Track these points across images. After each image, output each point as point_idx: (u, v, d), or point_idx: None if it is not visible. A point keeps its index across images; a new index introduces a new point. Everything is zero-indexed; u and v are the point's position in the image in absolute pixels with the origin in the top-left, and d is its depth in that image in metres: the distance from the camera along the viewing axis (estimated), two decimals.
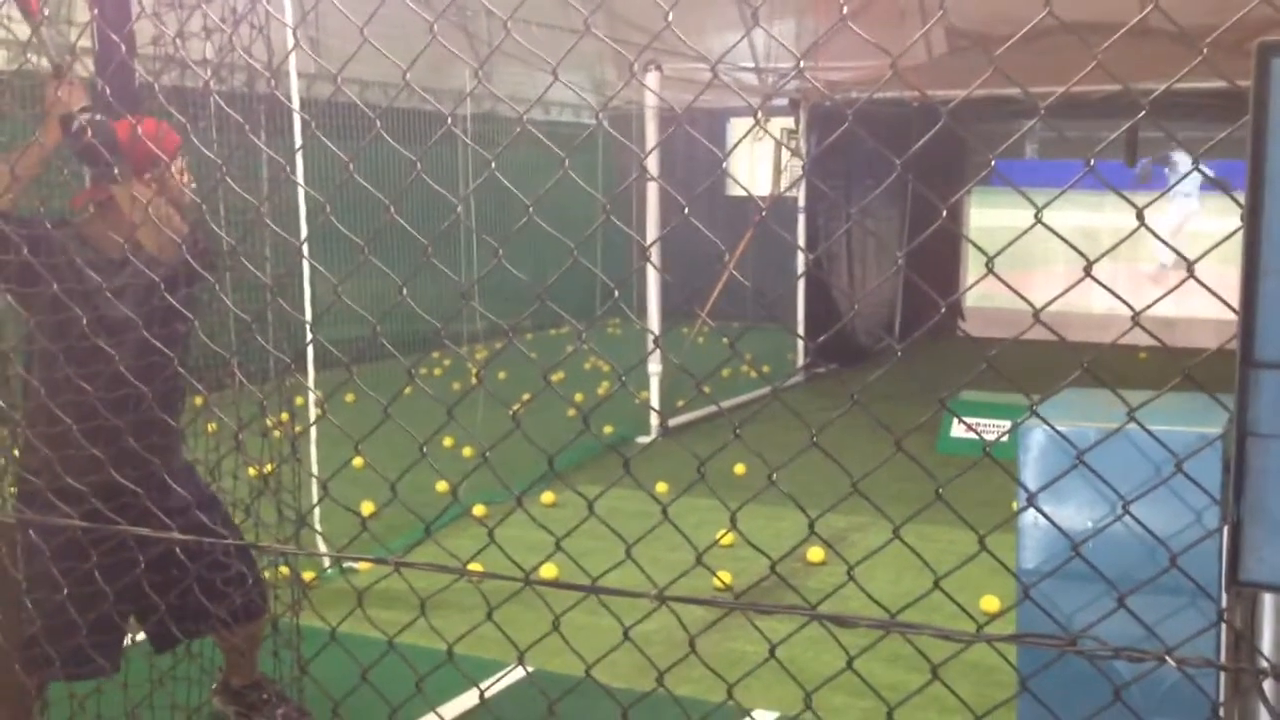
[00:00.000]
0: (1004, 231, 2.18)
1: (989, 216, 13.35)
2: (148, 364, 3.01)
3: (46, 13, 3.24)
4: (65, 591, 2.79)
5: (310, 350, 5.42)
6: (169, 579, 3.09)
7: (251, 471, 3.48)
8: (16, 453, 3.25)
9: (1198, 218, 16.05)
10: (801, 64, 2.25)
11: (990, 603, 4.97)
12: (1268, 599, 1.91)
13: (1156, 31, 1.90)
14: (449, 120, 2.13)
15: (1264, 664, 1.86)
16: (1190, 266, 1.57)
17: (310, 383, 5.29)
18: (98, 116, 3.10)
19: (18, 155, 3.07)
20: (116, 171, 3.16)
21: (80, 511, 2.67)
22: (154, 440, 3.08)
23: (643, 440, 8.35)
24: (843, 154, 11.04)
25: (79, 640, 3.03)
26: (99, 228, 3.33)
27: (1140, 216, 1.59)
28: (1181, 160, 13.54)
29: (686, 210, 1.90)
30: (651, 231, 8.52)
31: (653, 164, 8.69)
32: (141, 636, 3.65)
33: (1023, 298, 1.73)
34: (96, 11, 3.22)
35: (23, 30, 3.00)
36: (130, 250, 3.17)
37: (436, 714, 2.58)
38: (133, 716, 3.19)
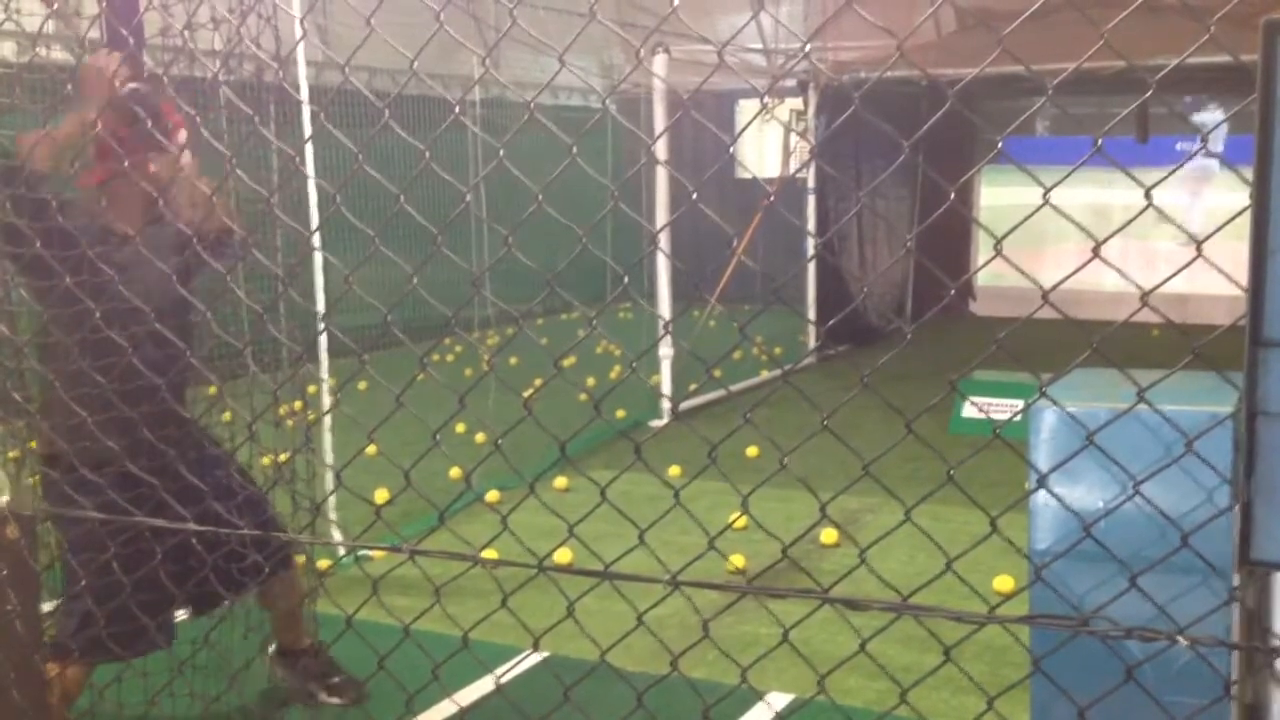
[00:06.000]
0: (1015, 209, 2.17)
1: (1000, 195, 13.28)
2: (165, 353, 3.03)
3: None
4: (109, 575, 2.87)
5: (323, 339, 5.44)
6: (196, 557, 3.12)
7: (265, 461, 3.50)
8: (33, 445, 3.27)
9: (1215, 188, 15.95)
10: (809, 46, 2.25)
11: (1004, 583, 4.97)
12: (1279, 578, 1.91)
13: (1165, 6, 1.90)
14: (456, 110, 2.13)
15: (1276, 643, 1.86)
16: (1199, 246, 1.57)
17: (323, 371, 5.31)
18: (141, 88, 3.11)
19: (64, 124, 3.08)
20: (164, 141, 3.15)
21: (99, 501, 2.70)
22: (170, 430, 3.10)
23: (655, 424, 8.36)
24: (853, 134, 11.00)
25: (128, 620, 3.12)
26: (111, 203, 3.31)
27: (1149, 196, 1.58)
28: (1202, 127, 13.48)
29: (695, 196, 1.90)
30: (661, 216, 8.51)
31: (661, 148, 8.67)
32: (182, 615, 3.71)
33: (1031, 279, 1.73)
34: (105, 4, 3.22)
35: (32, 23, 3.01)
36: (152, 219, 3.22)
37: (452, 700, 2.60)
38: (152, 704, 3.22)
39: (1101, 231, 1.69)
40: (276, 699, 4.07)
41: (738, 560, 5.19)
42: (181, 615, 3.71)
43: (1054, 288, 1.68)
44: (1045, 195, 1.65)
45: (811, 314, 10.64)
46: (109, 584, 2.97)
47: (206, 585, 3.20)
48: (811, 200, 10.73)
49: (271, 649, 4.06)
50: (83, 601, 3.16)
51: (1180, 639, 1.62)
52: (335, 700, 4.01)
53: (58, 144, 3.08)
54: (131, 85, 3.11)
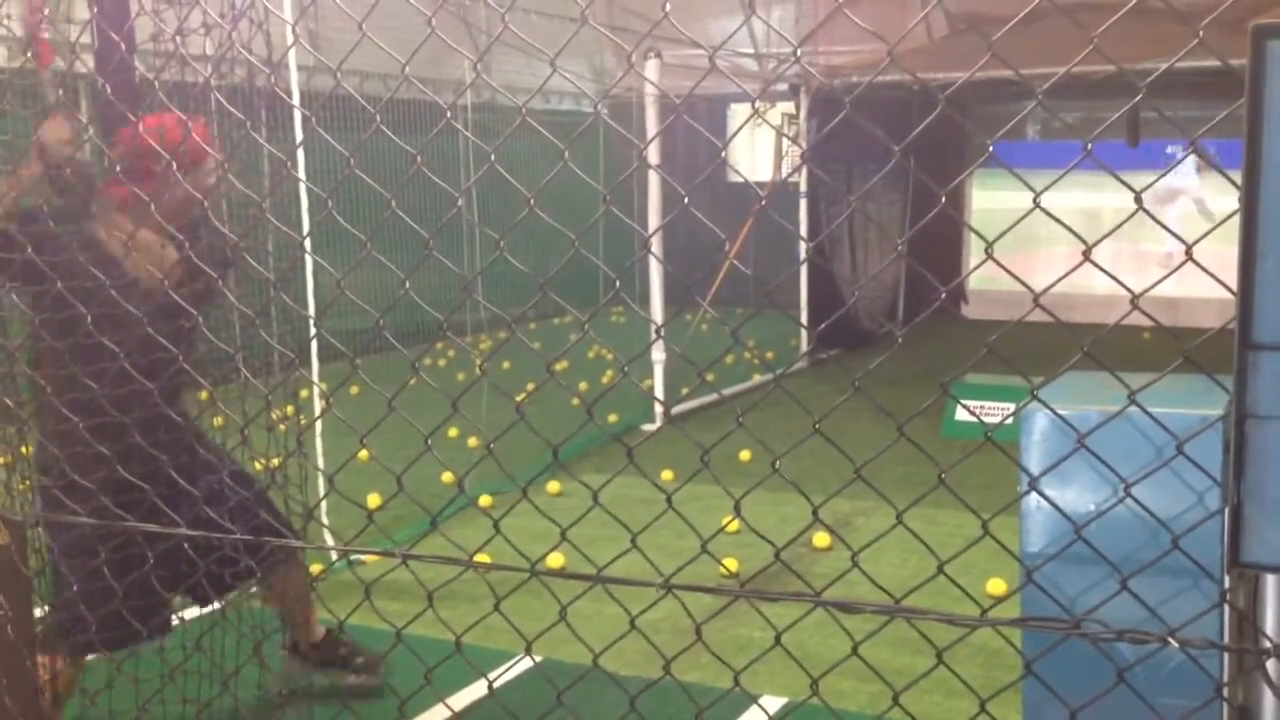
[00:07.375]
0: (1007, 213, 2.18)
1: (992, 199, 13.30)
2: (152, 360, 3.03)
3: (46, 12, 3.24)
4: (100, 577, 2.89)
5: (314, 343, 5.43)
6: (190, 560, 3.14)
7: (258, 466, 3.50)
8: (25, 449, 3.27)
9: (1197, 195, 16.06)
10: (800, 51, 2.26)
11: (997, 585, 4.98)
12: (1269, 580, 1.91)
13: (1155, 11, 1.91)
14: (448, 114, 2.13)
15: (1266, 644, 1.87)
16: (1189, 250, 1.58)
17: (315, 376, 5.30)
18: (84, 147, 3.13)
19: (11, 183, 3.11)
20: (93, 210, 3.17)
21: (95, 506, 2.71)
22: (161, 436, 3.10)
23: (648, 428, 8.36)
24: (845, 138, 11.02)
25: (116, 616, 3.13)
26: (110, 225, 3.34)
27: (1139, 200, 1.59)
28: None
29: (686, 200, 1.91)
30: (654, 220, 8.52)
31: (653, 153, 8.66)
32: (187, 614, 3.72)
33: (1022, 283, 1.74)
34: (96, 9, 3.22)
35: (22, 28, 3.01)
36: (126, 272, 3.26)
37: (445, 704, 2.60)
38: (143, 710, 3.21)
39: (1092, 235, 1.70)
40: (271, 702, 4.06)
41: (730, 564, 5.20)
42: (177, 619, 3.71)
43: (1045, 291, 1.68)
44: (1035, 199, 1.66)
45: (804, 318, 10.65)
46: (98, 587, 2.97)
47: (198, 590, 3.21)
48: (803, 204, 10.75)
49: (286, 646, 4.04)
50: (69, 597, 3.18)
51: (1171, 641, 1.62)
52: (364, 680, 3.99)
53: (6, 201, 3.11)
54: (65, 155, 3.13)
